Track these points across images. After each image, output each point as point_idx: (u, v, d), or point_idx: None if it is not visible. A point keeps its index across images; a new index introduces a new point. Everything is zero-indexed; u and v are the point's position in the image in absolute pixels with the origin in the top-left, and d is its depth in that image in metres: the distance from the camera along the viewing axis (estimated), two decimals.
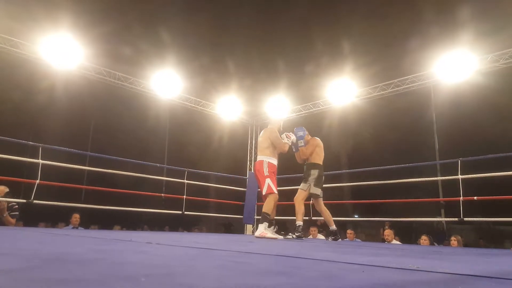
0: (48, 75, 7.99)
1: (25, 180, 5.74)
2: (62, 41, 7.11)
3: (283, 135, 4.92)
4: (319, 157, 4.89)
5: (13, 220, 4.96)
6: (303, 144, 4.90)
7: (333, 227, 4.93)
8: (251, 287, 0.93)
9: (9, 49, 6.93)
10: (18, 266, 1.13)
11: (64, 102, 10.03)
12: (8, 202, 4.95)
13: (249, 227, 9.12)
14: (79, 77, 7.98)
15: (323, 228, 7.28)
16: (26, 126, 11.21)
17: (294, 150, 5.09)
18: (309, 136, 5.09)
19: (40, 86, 8.94)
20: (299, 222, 4.63)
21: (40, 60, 7.27)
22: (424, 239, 6.02)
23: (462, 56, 7.19)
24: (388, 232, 6.34)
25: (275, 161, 4.81)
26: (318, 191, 4.81)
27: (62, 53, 7.21)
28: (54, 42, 7.07)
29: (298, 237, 4.59)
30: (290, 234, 4.81)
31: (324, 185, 5.01)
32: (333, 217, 4.98)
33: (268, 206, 4.59)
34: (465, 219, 5.40)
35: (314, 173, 4.79)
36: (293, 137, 4.93)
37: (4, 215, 4.85)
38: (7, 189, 4.92)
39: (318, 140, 5.03)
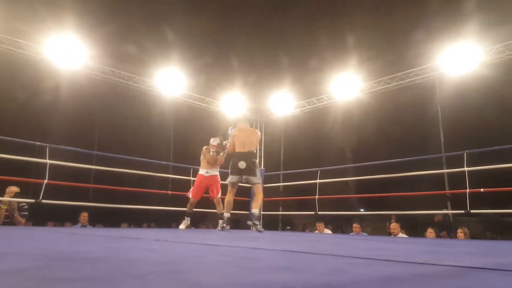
0: (53, 76, 8.04)
1: (33, 180, 5.79)
2: (67, 41, 7.15)
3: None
4: (235, 147, 4.93)
5: (23, 220, 5.03)
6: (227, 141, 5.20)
7: (255, 210, 4.82)
8: (258, 283, 0.94)
9: (14, 50, 6.98)
10: (28, 265, 1.14)
11: (70, 102, 10.08)
12: (18, 202, 5.01)
13: None
14: (84, 76, 8.03)
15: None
16: (32, 127, 11.28)
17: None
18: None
19: (46, 87, 8.99)
20: (226, 214, 4.93)
21: (45, 61, 7.32)
22: (430, 232, 6.02)
23: (467, 48, 7.13)
24: (394, 226, 6.33)
25: (203, 171, 5.81)
26: (228, 179, 4.91)
27: (67, 53, 7.26)
28: (58, 42, 7.11)
29: (222, 229, 4.86)
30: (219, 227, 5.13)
31: (329, 180, 5.00)
32: (339, 211, 4.97)
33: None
34: (472, 211, 5.38)
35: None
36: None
37: (15, 215, 4.91)
38: (18, 190, 4.98)
39: (235, 130, 5.08)
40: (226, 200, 4.96)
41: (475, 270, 1.29)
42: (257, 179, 4.85)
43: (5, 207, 4.85)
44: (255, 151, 5.01)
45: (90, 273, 1.01)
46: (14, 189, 4.96)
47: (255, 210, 4.78)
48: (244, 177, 4.79)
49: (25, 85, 9.41)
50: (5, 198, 4.85)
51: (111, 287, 0.83)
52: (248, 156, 4.83)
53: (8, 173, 5.16)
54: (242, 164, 4.75)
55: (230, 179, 4.88)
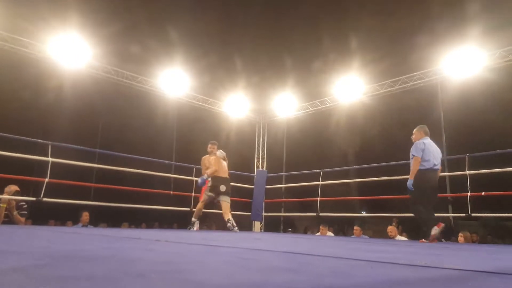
0: (57, 74, 8.05)
1: (35, 178, 5.80)
2: (71, 40, 7.17)
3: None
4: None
5: (22, 219, 5.02)
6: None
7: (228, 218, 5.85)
8: (260, 284, 0.94)
9: (18, 48, 7.00)
10: (30, 263, 1.14)
11: (73, 100, 10.08)
12: (18, 201, 5.00)
13: (257, 224, 9.14)
14: (87, 76, 8.04)
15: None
16: (35, 125, 11.29)
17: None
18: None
19: (49, 85, 9.00)
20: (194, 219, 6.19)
21: (49, 60, 7.34)
22: None
23: (470, 52, 7.12)
24: (390, 228, 6.30)
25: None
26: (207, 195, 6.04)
27: (71, 53, 7.28)
28: (62, 41, 7.13)
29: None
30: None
31: (331, 182, 5.10)
32: (340, 213, 5.02)
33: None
34: (473, 214, 5.37)
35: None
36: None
37: (14, 213, 4.90)
38: (17, 189, 4.97)
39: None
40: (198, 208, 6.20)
41: (477, 274, 1.29)
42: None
43: (5, 206, 4.84)
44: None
45: (92, 273, 1.01)
46: (13, 188, 4.94)
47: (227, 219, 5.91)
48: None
49: (28, 84, 9.42)
50: (5, 196, 4.84)
51: (113, 286, 0.83)
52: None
53: (10, 171, 5.16)
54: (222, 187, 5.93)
55: (207, 197, 6.07)
